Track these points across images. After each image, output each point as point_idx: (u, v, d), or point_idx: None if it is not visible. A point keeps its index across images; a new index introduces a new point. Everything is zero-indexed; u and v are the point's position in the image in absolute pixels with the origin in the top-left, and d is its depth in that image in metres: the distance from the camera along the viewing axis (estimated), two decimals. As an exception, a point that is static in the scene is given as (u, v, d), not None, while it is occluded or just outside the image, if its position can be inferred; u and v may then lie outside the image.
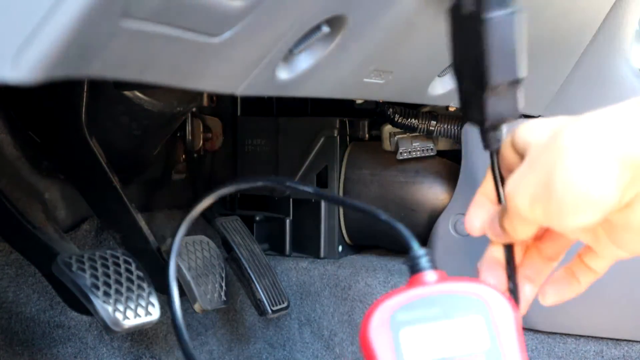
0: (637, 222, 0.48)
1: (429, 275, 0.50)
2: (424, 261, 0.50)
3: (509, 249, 0.54)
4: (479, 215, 0.54)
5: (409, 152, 1.35)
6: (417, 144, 1.35)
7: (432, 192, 1.35)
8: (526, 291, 0.55)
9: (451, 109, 1.32)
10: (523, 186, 0.48)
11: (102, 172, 1.13)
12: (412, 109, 1.33)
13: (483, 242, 0.55)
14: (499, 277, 0.54)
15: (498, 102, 0.55)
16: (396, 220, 0.51)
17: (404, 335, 0.47)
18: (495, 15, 0.53)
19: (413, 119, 1.31)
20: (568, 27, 1.07)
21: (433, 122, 1.31)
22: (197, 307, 1.15)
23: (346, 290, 1.38)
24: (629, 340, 1.19)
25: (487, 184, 0.55)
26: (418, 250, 0.51)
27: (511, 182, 0.49)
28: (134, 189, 1.40)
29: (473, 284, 0.50)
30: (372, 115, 1.44)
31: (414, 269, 0.50)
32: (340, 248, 1.43)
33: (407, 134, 1.35)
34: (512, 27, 0.54)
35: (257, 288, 1.27)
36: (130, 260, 1.03)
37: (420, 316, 0.48)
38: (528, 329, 1.23)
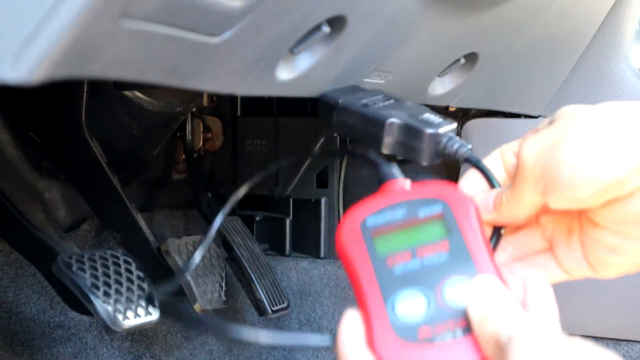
0: (635, 214, 0.48)
1: (396, 183, 0.55)
2: (391, 170, 0.55)
3: (496, 232, 0.54)
4: (474, 184, 0.55)
5: (409, 152, 1.35)
6: (417, 144, 1.35)
7: (432, 192, 1.35)
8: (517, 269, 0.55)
9: (451, 109, 1.32)
10: (534, 141, 0.49)
11: (102, 172, 1.13)
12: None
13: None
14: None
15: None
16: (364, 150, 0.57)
17: (373, 237, 0.52)
18: None
19: (413, 119, 1.31)
20: (568, 27, 1.07)
21: (433, 122, 1.31)
22: (197, 307, 1.15)
23: (346, 290, 1.38)
24: (629, 340, 1.19)
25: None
26: (382, 164, 0.55)
27: (528, 138, 0.50)
28: (134, 189, 1.40)
29: (434, 185, 0.53)
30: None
31: (382, 178, 0.55)
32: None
33: (407, 134, 1.35)
34: None
35: (257, 288, 1.27)
36: (130, 260, 1.03)
37: (387, 220, 0.52)
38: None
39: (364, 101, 0.63)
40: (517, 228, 0.56)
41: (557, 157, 0.47)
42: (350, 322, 0.49)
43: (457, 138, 0.58)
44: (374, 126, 0.61)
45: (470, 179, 0.55)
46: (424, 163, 0.60)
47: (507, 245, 0.55)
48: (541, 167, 0.48)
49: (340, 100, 0.64)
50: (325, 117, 0.66)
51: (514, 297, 0.46)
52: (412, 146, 0.60)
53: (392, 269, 0.50)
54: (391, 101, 0.64)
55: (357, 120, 0.63)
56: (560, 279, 0.54)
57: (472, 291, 0.47)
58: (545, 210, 0.52)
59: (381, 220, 0.52)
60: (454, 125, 0.60)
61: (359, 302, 0.50)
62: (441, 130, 0.59)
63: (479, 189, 0.54)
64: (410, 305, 0.49)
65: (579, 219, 0.52)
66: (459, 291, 0.49)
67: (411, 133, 0.60)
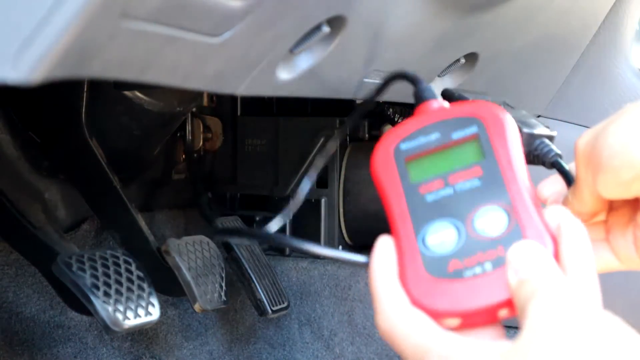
0: None
1: (430, 104, 0.54)
2: (426, 91, 0.55)
3: None
4: (551, 187, 0.55)
5: (409, 152, 1.35)
6: (417, 144, 1.35)
7: (432, 192, 1.35)
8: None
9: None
10: (588, 131, 0.50)
11: (102, 172, 1.13)
12: (412, 109, 1.33)
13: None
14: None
15: None
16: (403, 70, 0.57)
17: (407, 162, 0.51)
18: None
19: (413, 119, 1.31)
20: (568, 27, 1.07)
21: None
22: (197, 307, 1.15)
23: (346, 290, 1.38)
24: (629, 340, 1.18)
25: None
26: (422, 83, 0.55)
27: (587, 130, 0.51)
28: (134, 189, 1.39)
29: (470, 105, 0.52)
30: (372, 115, 1.44)
31: (417, 100, 0.55)
32: (340, 248, 1.43)
33: (407, 134, 1.35)
34: None
35: (257, 288, 1.27)
36: (130, 260, 1.03)
37: (421, 143, 0.52)
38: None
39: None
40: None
41: (601, 141, 0.48)
42: (383, 251, 0.49)
43: (549, 142, 0.59)
44: None
45: (551, 182, 0.56)
46: None
47: None
48: (589, 152, 0.49)
49: (456, 94, 0.66)
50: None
51: (554, 265, 0.46)
52: None
53: (424, 197, 0.50)
54: (507, 106, 0.66)
55: None
56: (612, 267, 0.55)
57: (513, 255, 0.46)
58: (612, 207, 0.53)
59: (415, 144, 0.52)
60: (552, 133, 0.60)
61: (392, 230, 0.50)
62: (536, 132, 0.59)
63: (558, 191, 0.55)
64: (440, 238, 0.48)
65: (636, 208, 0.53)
66: (489, 221, 0.48)
67: None
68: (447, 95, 0.67)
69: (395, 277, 0.49)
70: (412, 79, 0.56)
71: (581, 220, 0.53)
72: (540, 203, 0.50)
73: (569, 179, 0.54)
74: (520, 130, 0.59)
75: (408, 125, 0.53)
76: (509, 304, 0.46)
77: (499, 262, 0.47)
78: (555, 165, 0.57)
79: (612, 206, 0.54)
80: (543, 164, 0.59)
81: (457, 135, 0.51)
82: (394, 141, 0.52)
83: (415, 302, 0.47)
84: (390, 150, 0.52)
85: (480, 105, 0.52)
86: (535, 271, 0.45)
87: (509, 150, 0.50)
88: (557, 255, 0.46)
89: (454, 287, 0.47)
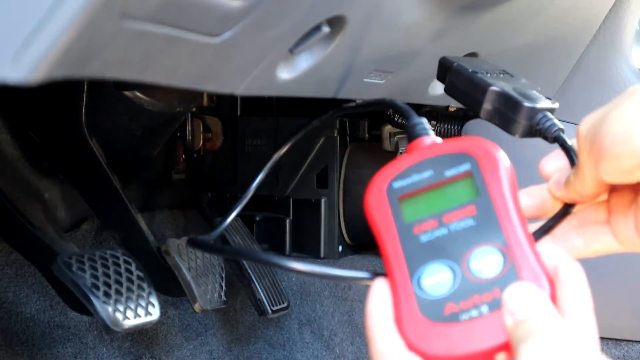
0: None
1: (423, 140, 0.53)
2: (419, 128, 0.54)
3: (565, 206, 0.54)
4: (554, 163, 0.55)
5: (409, 152, 1.35)
6: (417, 144, 1.35)
7: (432, 192, 1.35)
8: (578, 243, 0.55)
9: (451, 109, 1.32)
10: (591, 116, 0.49)
11: (102, 172, 1.13)
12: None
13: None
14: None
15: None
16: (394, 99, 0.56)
17: (400, 201, 0.51)
18: None
19: (413, 119, 1.31)
20: (568, 27, 1.07)
21: (433, 122, 1.31)
22: (197, 307, 1.15)
23: (346, 290, 1.38)
24: (629, 340, 1.19)
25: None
26: (415, 118, 0.54)
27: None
28: (134, 189, 1.40)
29: (462, 141, 0.52)
30: (372, 115, 1.44)
31: (409, 136, 0.54)
32: (340, 248, 1.43)
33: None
34: None
35: (257, 288, 1.27)
36: (130, 260, 1.03)
37: (414, 181, 0.51)
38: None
39: (476, 69, 0.65)
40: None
41: (603, 127, 0.47)
42: (379, 295, 0.48)
43: (551, 116, 0.58)
44: (477, 91, 0.63)
45: (554, 157, 0.55)
46: (518, 135, 0.60)
47: (573, 218, 0.55)
48: (591, 138, 0.48)
49: (455, 64, 0.67)
50: (440, 78, 0.69)
51: (551, 307, 0.45)
52: (508, 116, 0.60)
53: (419, 238, 0.49)
54: (506, 75, 0.66)
55: (465, 84, 0.65)
56: (612, 249, 0.54)
57: (509, 297, 0.46)
58: (614, 188, 0.53)
59: (408, 182, 0.51)
60: (554, 105, 0.60)
61: (387, 271, 0.49)
62: (539, 106, 0.59)
63: (561, 167, 0.55)
64: (436, 280, 0.48)
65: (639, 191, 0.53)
66: (484, 262, 0.47)
67: (509, 103, 0.60)
68: (446, 63, 0.67)
69: (390, 321, 0.48)
70: (403, 113, 0.56)
71: (583, 201, 0.53)
72: (535, 242, 0.49)
73: (571, 157, 0.53)
74: (521, 104, 0.59)
75: (401, 163, 0.52)
76: (506, 347, 0.45)
77: (495, 305, 0.46)
78: (557, 139, 0.56)
79: (614, 188, 0.53)
80: (545, 138, 0.58)
81: (450, 172, 0.51)
82: (387, 179, 0.52)
83: (412, 347, 0.47)
84: (384, 189, 0.52)
85: (473, 141, 0.51)
86: (532, 313, 0.44)
87: (502, 188, 0.49)
88: (554, 297, 0.46)
89: (450, 330, 0.46)
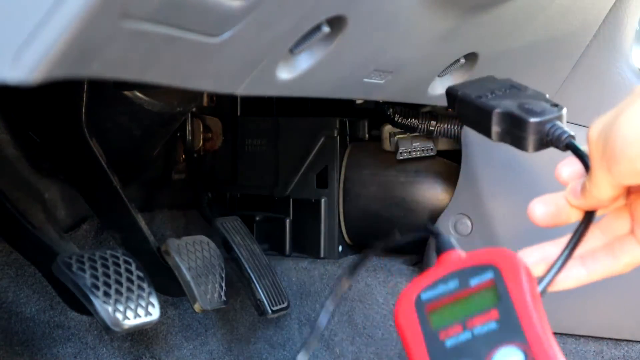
0: None
1: (450, 254, 0.57)
2: (446, 243, 0.57)
3: (587, 215, 0.54)
4: (569, 168, 0.55)
5: (409, 152, 1.35)
6: (417, 144, 1.35)
7: (432, 192, 1.35)
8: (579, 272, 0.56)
9: (451, 109, 1.32)
10: (600, 119, 0.49)
11: (102, 172, 1.13)
12: (412, 109, 1.33)
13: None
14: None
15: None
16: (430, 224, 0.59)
17: (427, 312, 0.53)
18: None
19: (413, 119, 1.31)
20: (568, 27, 1.07)
21: (433, 122, 1.31)
22: (197, 307, 1.15)
23: (346, 290, 1.38)
24: (629, 340, 1.18)
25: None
26: (441, 236, 0.58)
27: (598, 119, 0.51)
28: (134, 189, 1.40)
29: (486, 253, 0.54)
30: (372, 115, 1.44)
31: (438, 251, 0.57)
32: (340, 248, 1.43)
33: (407, 134, 1.35)
34: None
35: (257, 288, 1.27)
36: (130, 260, 1.03)
37: (440, 292, 0.54)
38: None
39: (481, 92, 0.65)
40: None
41: (614, 130, 0.47)
42: None
43: (560, 124, 0.59)
44: (484, 116, 0.63)
45: (569, 163, 0.55)
46: (531, 150, 0.60)
47: (595, 229, 0.55)
48: (602, 142, 0.48)
49: (459, 92, 0.67)
50: (451, 107, 0.69)
51: None
52: (518, 135, 0.61)
53: (444, 343, 0.51)
54: (512, 90, 0.66)
55: (472, 111, 0.66)
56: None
57: None
58: (632, 191, 0.53)
59: (435, 294, 0.54)
60: (562, 111, 0.60)
61: None
62: (545, 119, 0.59)
63: (577, 172, 0.55)
64: None
65: None
66: None
67: (516, 122, 0.61)
68: (451, 93, 0.67)
69: None
70: (433, 233, 0.60)
71: (602, 206, 0.53)
72: (556, 343, 0.51)
73: (585, 163, 0.54)
74: (527, 120, 0.59)
75: (429, 275, 0.55)
76: None
77: None
78: (569, 147, 0.57)
79: (632, 191, 0.53)
80: (557, 147, 0.58)
81: (474, 282, 0.53)
82: (416, 291, 0.55)
83: None
84: (412, 300, 0.54)
85: (496, 253, 0.54)
86: None
87: (523, 292, 0.51)
88: None
89: None
